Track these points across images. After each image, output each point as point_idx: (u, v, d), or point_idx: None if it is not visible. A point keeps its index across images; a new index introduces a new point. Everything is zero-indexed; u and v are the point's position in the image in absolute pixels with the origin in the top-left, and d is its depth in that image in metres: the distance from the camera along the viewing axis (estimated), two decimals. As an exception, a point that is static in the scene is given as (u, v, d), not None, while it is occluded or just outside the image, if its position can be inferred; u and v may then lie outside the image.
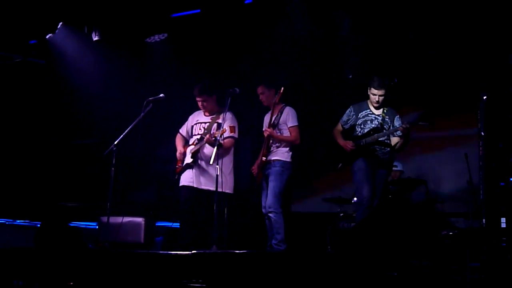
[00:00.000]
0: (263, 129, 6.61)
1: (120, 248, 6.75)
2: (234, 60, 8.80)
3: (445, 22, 7.38)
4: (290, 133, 6.49)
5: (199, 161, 6.46)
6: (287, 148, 6.49)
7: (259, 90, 6.66)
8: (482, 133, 7.67)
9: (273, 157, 6.47)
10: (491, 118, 7.43)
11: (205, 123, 6.60)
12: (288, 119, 6.48)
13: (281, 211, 6.37)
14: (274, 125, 6.47)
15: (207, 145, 6.35)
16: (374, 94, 6.20)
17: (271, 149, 6.50)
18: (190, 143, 6.62)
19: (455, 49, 7.87)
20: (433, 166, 8.48)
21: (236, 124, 6.42)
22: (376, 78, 6.27)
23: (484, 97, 7.49)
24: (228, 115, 6.47)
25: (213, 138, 6.19)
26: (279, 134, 6.48)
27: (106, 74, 9.10)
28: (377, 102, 6.21)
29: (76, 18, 8.46)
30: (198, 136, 6.54)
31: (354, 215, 6.99)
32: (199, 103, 6.62)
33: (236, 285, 4.70)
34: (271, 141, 6.50)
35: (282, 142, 6.47)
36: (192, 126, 6.70)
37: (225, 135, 6.32)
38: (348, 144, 6.25)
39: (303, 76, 8.68)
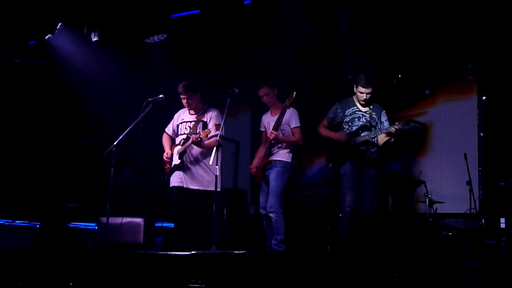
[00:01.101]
0: (269, 131, 6.56)
1: (119, 249, 6.74)
2: (234, 60, 8.80)
3: (445, 22, 7.38)
4: (293, 134, 6.48)
5: (186, 162, 6.44)
6: (288, 149, 6.48)
7: (264, 91, 6.63)
8: (481, 134, 7.68)
9: (275, 158, 6.47)
10: (490, 119, 7.43)
11: (190, 122, 6.54)
12: (291, 120, 6.47)
13: (282, 212, 6.36)
14: (276, 126, 6.47)
15: (193, 145, 6.34)
16: (362, 93, 6.16)
17: (272, 150, 6.49)
18: (177, 142, 6.59)
19: (455, 49, 7.88)
20: (433, 166, 8.49)
21: (221, 121, 6.35)
22: (363, 76, 6.21)
23: (484, 98, 7.50)
24: (213, 113, 6.46)
25: (199, 139, 6.18)
26: (281, 135, 6.47)
27: (105, 75, 9.09)
28: (365, 100, 6.18)
29: (75, 18, 8.45)
30: (184, 136, 6.50)
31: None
32: (184, 101, 6.55)
33: (236, 286, 4.70)
34: (273, 141, 6.49)
35: (285, 143, 6.47)
36: (178, 125, 6.64)
37: (211, 133, 6.27)
38: (342, 135, 6.18)
39: (303, 76, 8.69)
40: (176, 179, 6.45)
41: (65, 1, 8.17)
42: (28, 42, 9.11)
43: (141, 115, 6.53)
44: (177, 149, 6.50)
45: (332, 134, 6.29)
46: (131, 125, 6.58)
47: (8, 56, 9.48)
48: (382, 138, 6.19)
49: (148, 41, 8.60)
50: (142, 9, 8.07)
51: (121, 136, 6.52)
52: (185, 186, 6.39)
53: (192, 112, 6.59)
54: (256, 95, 6.82)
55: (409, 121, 6.07)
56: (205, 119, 6.45)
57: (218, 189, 6.13)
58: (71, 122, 10.21)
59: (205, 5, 7.91)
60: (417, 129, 6.09)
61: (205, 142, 6.29)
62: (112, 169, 6.41)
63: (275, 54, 8.16)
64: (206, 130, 6.20)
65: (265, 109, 6.94)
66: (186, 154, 6.43)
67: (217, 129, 6.15)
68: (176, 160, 6.47)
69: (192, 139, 6.25)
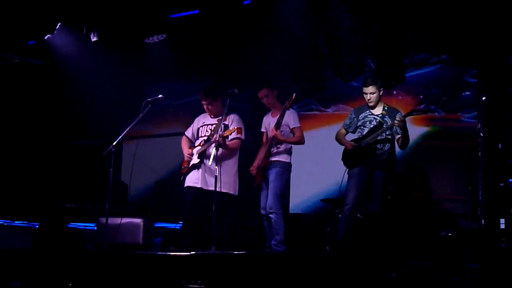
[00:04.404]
0: (270, 130, 6.57)
1: (118, 249, 6.74)
2: (233, 60, 8.80)
3: (445, 22, 7.38)
4: (294, 134, 6.48)
5: (205, 162, 6.46)
6: (288, 149, 6.50)
7: (263, 92, 6.63)
8: (481, 134, 7.67)
9: (274, 158, 6.48)
10: (490, 119, 7.42)
11: (211, 124, 6.62)
12: (290, 120, 6.48)
13: (282, 212, 6.37)
14: (277, 127, 6.48)
15: (213, 145, 6.36)
16: (365, 93, 6.19)
17: (272, 150, 6.49)
18: (196, 144, 6.63)
19: (454, 49, 7.87)
20: (432, 166, 8.49)
21: (242, 126, 6.45)
22: (367, 77, 6.30)
23: (483, 98, 7.48)
24: (235, 116, 6.54)
25: (221, 138, 6.20)
26: (281, 135, 6.47)
27: (105, 75, 9.09)
28: (369, 100, 6.19)
29: (74, 18, 8.44)
30: (205, 138, 6.56)
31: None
32: (204, 106, 6.64)
33: (235, 286, 4.69)
34: (273, 142, 6.50)
35: (286, 143, 6.48)
36: (198, 129, 6.72)
37: (232, 136, 6.33)
38: (348, 144, 6.26)
39: (302, 77, 8.67)
40: (192, 179, 6.49)
41: (65, 1, 8.16)
42: (27, 42, 9.10)
43: (140, 115, 6.53)
44: (197, 149, 6.54)
45: (344, 142, 6.38)
46: (130, 125, 6.58)
47: (7, 56, 9.48)
48: (397, 138, 6.21)
49: (148, 41, 8.60)
50: (141, 9, 8.07)
51: (120, 136, 6.52)
52: (200, 186, 6.42)
53: (212, 116, 6.65)
54: (256, 95, 6.82)
55: (411, 111, 6.16)
56: (226, 122, 6.48)
57: (224, 190, 6.18)
58: (70, 122, 10.20)
59: (205, 5, 7.91)
60: (421, 113, 6.24)
61: (227, 143, 6.31)
62: (111, 169, 6.40)
63: (275, 54, 8.15)
64: (230, 128, 6.22)
65: (264, 110, 6.95)
66: (205, 154, 6.46)
67: (238, 133, 6.20)
68: (195, 160, 6.51)
69: (214, 138, 6.27)
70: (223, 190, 6.27)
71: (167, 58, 8.71)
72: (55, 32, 8.56)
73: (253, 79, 8.31)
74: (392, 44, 8.01)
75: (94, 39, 8.44)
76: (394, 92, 8.62)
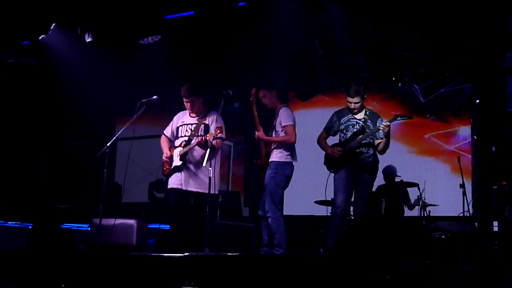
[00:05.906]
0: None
1: (112, 250, 6.72)
2: (228, 62, 8.80)
3: (440, 23, 7.40)
4: (286, 133, 6.43)
5: (188, 163, 6.41)
6: (282, 148, 6.43)
7: (260, 94, 6.62)
8: (475, 137, 7.70)
9: (270, 159, 6.47)
10: (483, 122, 7.45)
11: (191, 124, 6.51)
12: (281, 119, 6.45)
13: (280, 214, 6.32)
14: (272, 128, 6.48)
15: (196, 147, 6.32)
16: (350, 102, 6.24)
17: (271, 148, 6.50)
18: (177, 144, 6.55)
19: (449, 50, 7.90)
20: (426, 169, 8.51)
21: (223, 125, 6.36)
22: (352, 85, 6.30)
23: (477, 101, 7.51)
24: (215, 115, 6.44)
25: (205, 141, 6.16)
26: (273, 136, 6.46)
27: (99, 76, 9.08)
28: (354, 109, 6.25)
29: (69, 19, 8.43)
30: (185, 138, 6.48)
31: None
32: (187, 104, 6.52)
33: (229, 288, 4.69)
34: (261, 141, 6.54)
35: (276, 143, 6.46)
36: (178, 128, 6.60)
37: (217, 136, 6.26)
38: (336, 150, 6.25)
39: (298, 77, 8.69)
40: (175, 181, 6.42)
41: (59, 2, 8.15)
42: (22, 42, 9.09)
43: (135, 116, 6.52)
44: (178, 150, 6.46)
45: (328, 149, 6.36)
46: (125, 126, 6.57)
47: (1, 56, 9.46)
48: (378, 142, 6.24)
49: (142, 42, 8.58)
50: (136, 10, 8.06)
51: (114, 137, 6.52)
52: (183, 188, 6.37)
53: (193, 114, 6.57)
54: (249, 96, 6.80)
55: (396, 116, 6.16)
56: (206, 122, 6.43)
57: (213, 191, 6.12)
58: (65, 122, 10.19)
59: (200, 7, 7.90)
60: (406, 119, 6.23)
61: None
62: (105, 170, 6.39)
63: (269, 55, 8.16)
64: (212, 132, 6.16)
65: (259, 110, 6.92)
66: (187, 156, 6.41)
67: (219, 132, 6.15)
68: (177, 162, 6.43)
69: (197, 141, 6.23)
70: (206, 191, 6.20)
71: (162, 59, 8.71)
72: (50, 32, 8.54)
73: (248, 80, 8.31)
74: (386, 46, 8.03)
75: (88, 39, 8.43)
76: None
